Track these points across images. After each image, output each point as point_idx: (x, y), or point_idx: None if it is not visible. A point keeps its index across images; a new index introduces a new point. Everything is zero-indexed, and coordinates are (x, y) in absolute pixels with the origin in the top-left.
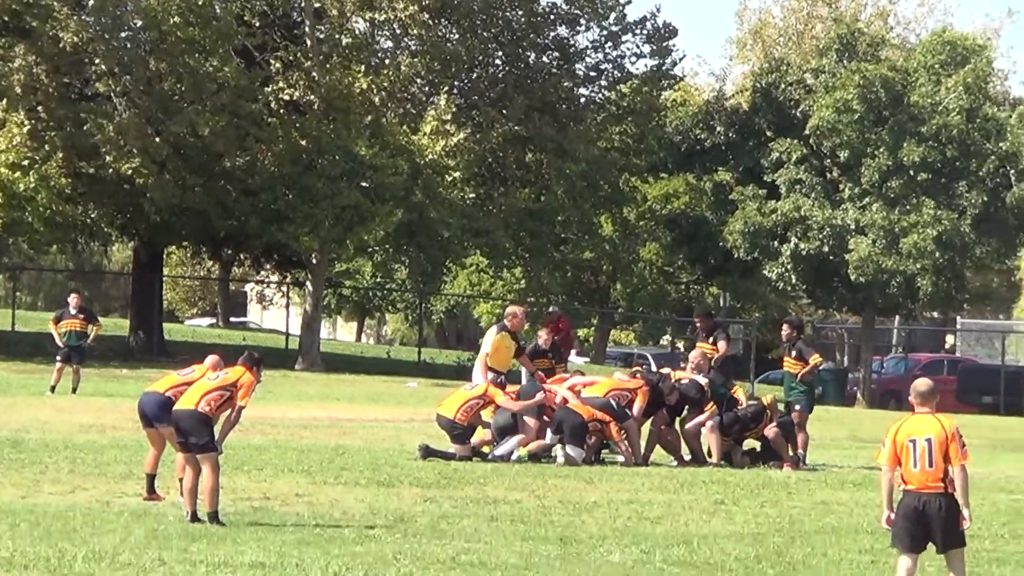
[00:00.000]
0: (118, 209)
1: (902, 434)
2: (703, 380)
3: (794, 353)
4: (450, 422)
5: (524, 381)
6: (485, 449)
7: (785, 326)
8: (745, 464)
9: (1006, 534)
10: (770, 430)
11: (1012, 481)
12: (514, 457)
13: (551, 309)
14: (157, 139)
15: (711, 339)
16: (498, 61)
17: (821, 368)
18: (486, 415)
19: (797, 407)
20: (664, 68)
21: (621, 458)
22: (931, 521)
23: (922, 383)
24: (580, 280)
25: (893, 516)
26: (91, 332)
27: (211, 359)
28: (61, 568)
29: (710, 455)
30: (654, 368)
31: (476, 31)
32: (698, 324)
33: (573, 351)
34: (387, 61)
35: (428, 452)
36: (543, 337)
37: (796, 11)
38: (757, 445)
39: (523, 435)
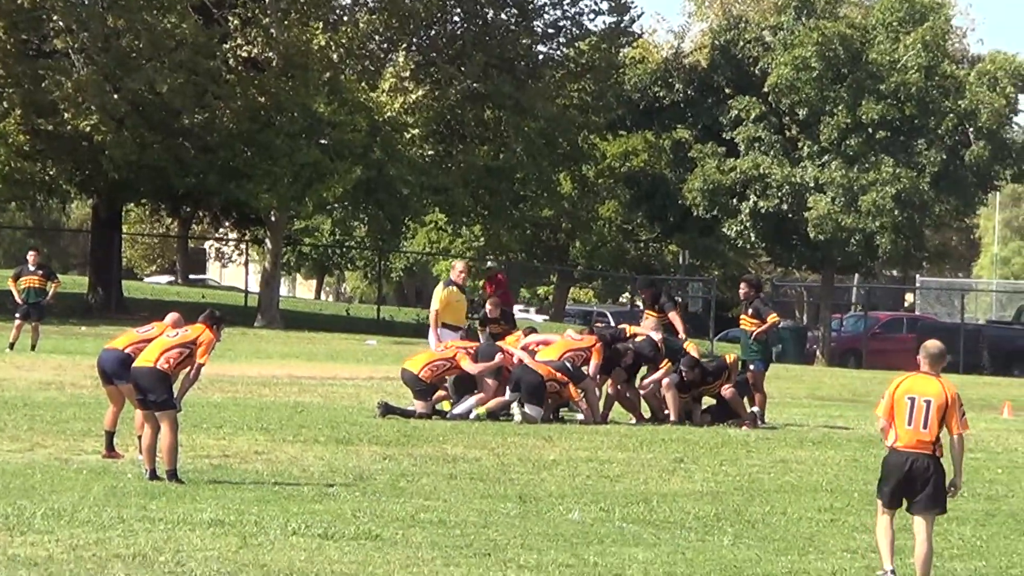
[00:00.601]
0: (77, 166)
1: (902, 390)
2: (657, 336)
3: (751, 311)
4: (414, 377)
5: (482, 340)
6: (444, 406)
7: (743, 284)
8: (705, 422)
9: (965, 493)
10: (726, 389)
11: (970, 439)
12: (472, 416)
13: (488, 265)
14: (115, 96)
15: (657, 308)
16: (456, 18)
17: (780, 326)
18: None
19: (751, 367)
20: (622, 25)
21: (580, 416)
22: (915, 481)
23: (933, 345)
24: (539, 238)
25: None
26: (50, 289)
27: (171, 317)
28: (20, 525)
29: (668, 412)
30: (612, 323)
31: None
32: (641, 295)
33: (518, 308)
34: (345, 18)
35: (387, 410)
36: (489, 308)
37: None
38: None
39: (482, 394)
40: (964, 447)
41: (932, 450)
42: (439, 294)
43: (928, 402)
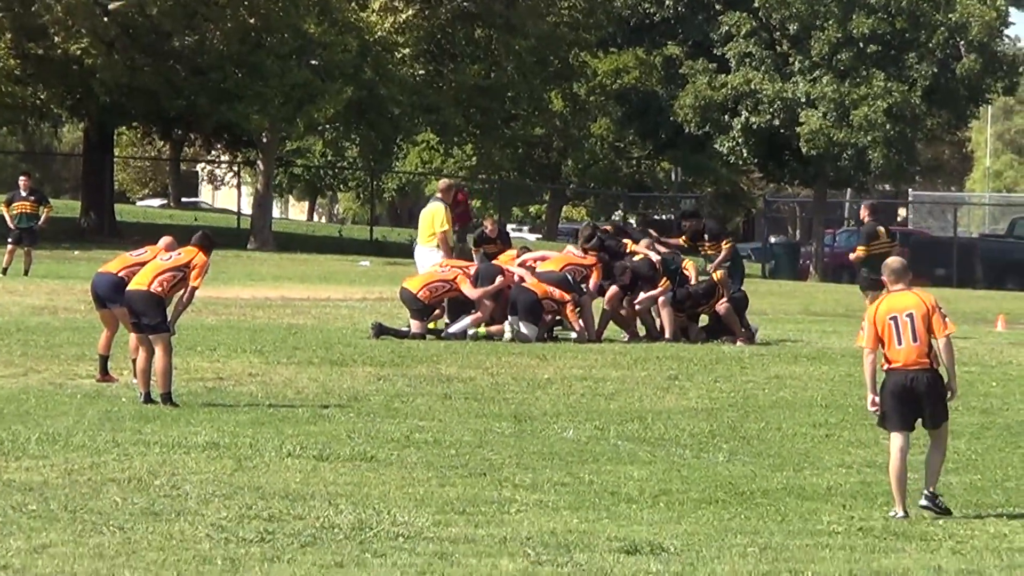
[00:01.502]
0: (68, 90)
1: (881, 312)
2: (655, 256)
3: (707, 237)
4: (412, 296)
5: (478, 262)
6: (439, 325)
7: (685, 222)
8: (700, 339)
9: (960, 407)
10: (721, 306)
11: (964, 353)
12: (471, 334)
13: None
14: (105, 19)
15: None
16: None
17: (774, 242)
18: None
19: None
20: None
21: (574, 335)
22: (921, 398)
23: (894, 261)
24: (531, 156)
25: (876, 399)
26: (42, 214)
27: (164, 240)
28: (15, 451)
29: (663, 330)
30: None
31: None
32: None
33: (511, 227)
34: None
35: (381, 330)
36: (488, 226)
37: None
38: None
39: (478, 313)
40: (953, 348)
41: (929, 363)
42: (443, 214)
43: (911, 315)
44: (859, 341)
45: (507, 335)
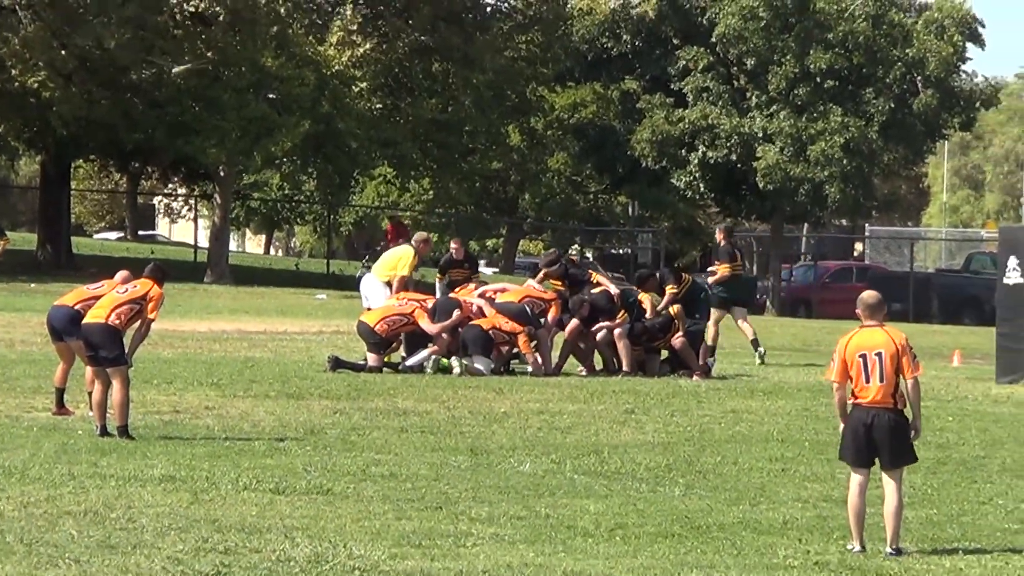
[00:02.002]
0: (25, 123)
1: (851, 348)
2: (615, 290)
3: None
4: (370, 330)
5: (438, 295)
6: (393, 358)
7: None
8: (663, 373)
9: (915, 441)
10: (677, 340)
11: (921, 388)
12: (427, 367)
13: (390, 213)
14: (63, 52)
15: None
16: None
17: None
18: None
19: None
20: None
21: (530, 368)
22: (879, 437)
23: (870, 295)
24: (488, 190)
25: None
26: None
27: (121, 274)
28: None
29: (620, 364)
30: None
31: None
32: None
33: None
34: None
35: (337, 364)
36: (455, 248)
37: None
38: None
39: (435, 347)
40: (920, 390)
41: (893, 403)
42: (409, 260)
43: (880, 354)
44: (828, 374)
45: (456, 371)
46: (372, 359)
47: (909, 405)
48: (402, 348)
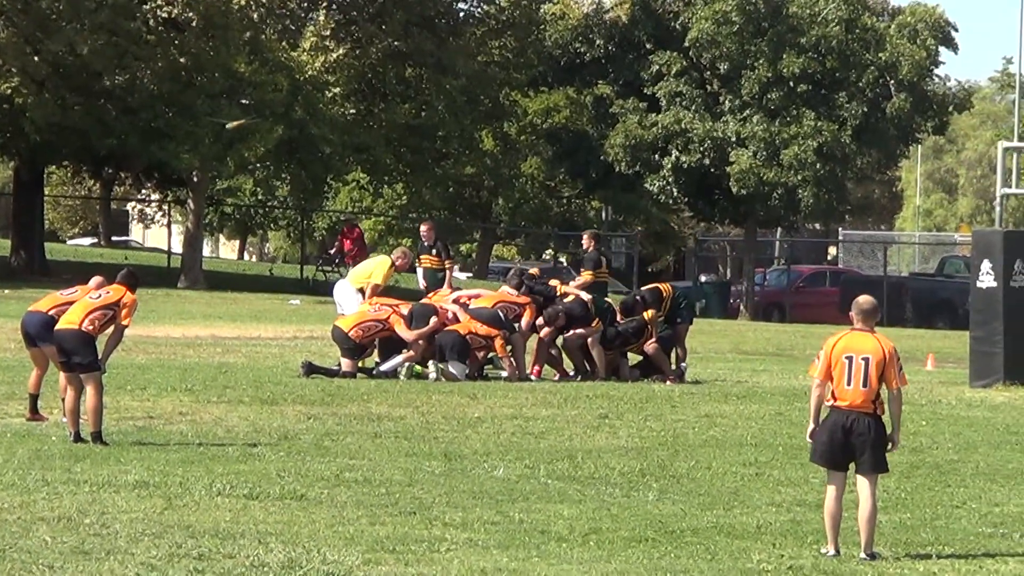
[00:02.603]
0: None
1: (838, 349)
2: (587, 297)
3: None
4: (344, 335)
5: (422, 277)
6: (367, 363)
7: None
8: (634, 378)
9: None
10: (650, 346)
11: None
12: (401, 373)
13: (344, 218)
14: (36, 58)
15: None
16: None
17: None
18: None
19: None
20: None
21: (505, 373)
22: (856, 441)
23: (865, 301)
24: (462, 195)
25: (817, 430)
26: None
27: (95, 280)
28: None
29: (594, 369)
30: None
31: None
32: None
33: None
34: None
35: (311, 369)
36: (424, 231)
37: None
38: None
39: (411, 352)
40: (902, 401)
41: (873, 408)
42: (384, 270)
43: (866, 359)
44: (811, 371)
45: (432, 375)
46: (346, 364)
47: (890, 414)
48: (376, 353)
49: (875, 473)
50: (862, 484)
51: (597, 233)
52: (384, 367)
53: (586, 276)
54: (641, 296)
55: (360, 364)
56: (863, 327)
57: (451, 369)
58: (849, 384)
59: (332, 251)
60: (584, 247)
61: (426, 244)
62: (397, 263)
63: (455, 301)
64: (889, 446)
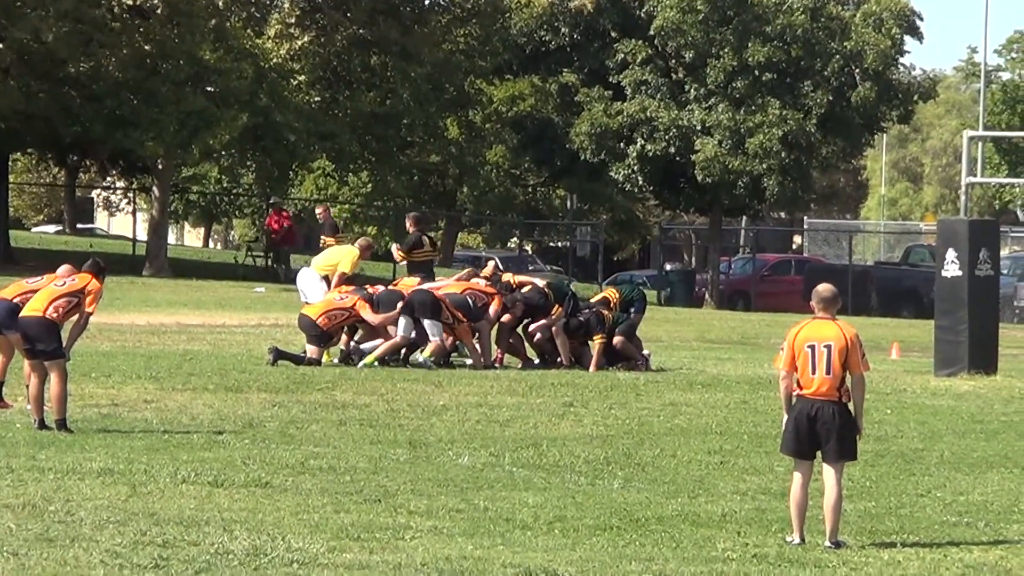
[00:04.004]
0: None
1: (800, 339)
2: (541, 283)
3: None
4: (311, 323)
5: (380, 289)
6: (331, 356)
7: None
8: (602, 366)
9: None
10: (616, 339)
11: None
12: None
13: (273, 200)
14: (0, 45)
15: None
16: None
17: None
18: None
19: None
20: None
21: (470, 361)
22: (822, 429)
23: (825, 289)
24: (427, 183)
25: None
26: None
27: (63, 269)
28: None
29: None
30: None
31: None
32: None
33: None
34: None
35: (279, 355)
36: (319, 213)
37: None
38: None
39: (387, 339)
40: (864, 387)
41: (838, 396)
42: (354, 260)
43: (829, 347)
44: (776, 363)
45: (401, 330)
46: (312, 351)
47: (852, 401)
48: (342, 343)
49: (841, 461)
50: (827, 472)
51: (419, 216)
52: (364, 346)
53: (400, 254)
54: (587, 321)
55: (326, 356)
56: (824, 315)
57: (427, 326)
58: (813, 372)
59: (261, 235)
60: (407, 228)
61: (322, 225)
62: (363, 252)
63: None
64: (858, 435)
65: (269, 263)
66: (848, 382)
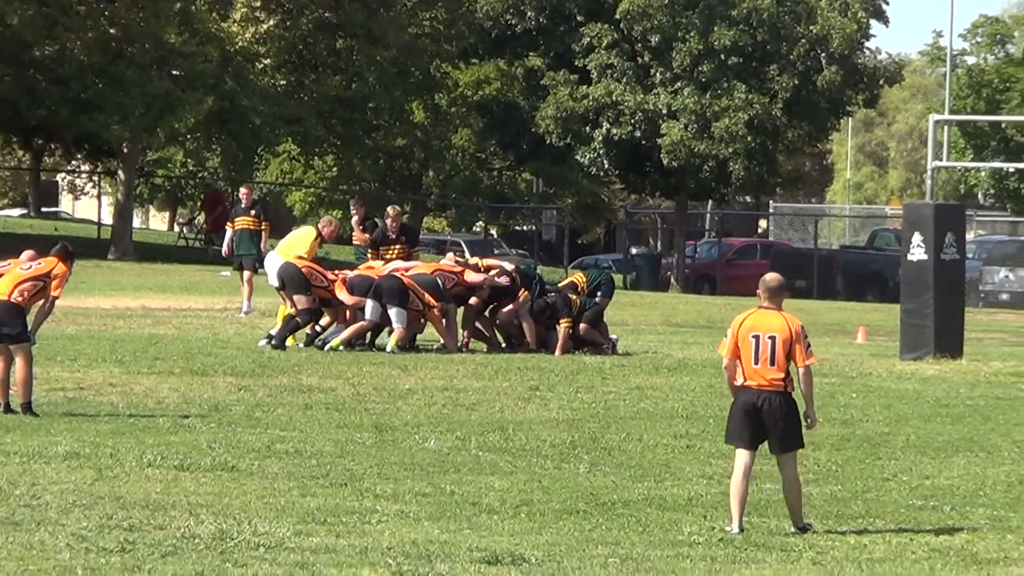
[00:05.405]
0: None
1: (745, 328)
2: (509, 266)
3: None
4: (295, 270)
5: (351, 274)
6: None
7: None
8: (568, 350)
9: (820, 418)
10: (581, 326)
11: (825, 364)
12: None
13: (208, 184)
14: None
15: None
16: None
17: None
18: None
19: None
20: None
21: (440, 343)
22: (767, 420)
23: (772, 278)
24: (392, 167)
25: None
26: None
27: (27, 254)
28: None
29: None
30: (467, 255)
31: None
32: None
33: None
34: None
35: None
36: (390, 224)
37: None
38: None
39: (359, 324)
40: (812, 378)
41: (783, 387)
42: (308, 242)
43: (773, 338)
44: (720, 350)
45: (368, 314)
46: (301, 301)
47: (801, 392)
48: (307, 328)
49: (786, 451)
50: (782, 464)
51: (363, 199)
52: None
53: (361, 239)
54: (553, 304)
55: (291, 340)
56: (770, 305)
57: (391, 315)
58: (757, 363)
59: (195, 216)
60: (352, 211)
61: (390, 235)
62: (324, 232)
63: (394, 271)
64: (807, 423)
65: (202, 243)
66: (794, 374)
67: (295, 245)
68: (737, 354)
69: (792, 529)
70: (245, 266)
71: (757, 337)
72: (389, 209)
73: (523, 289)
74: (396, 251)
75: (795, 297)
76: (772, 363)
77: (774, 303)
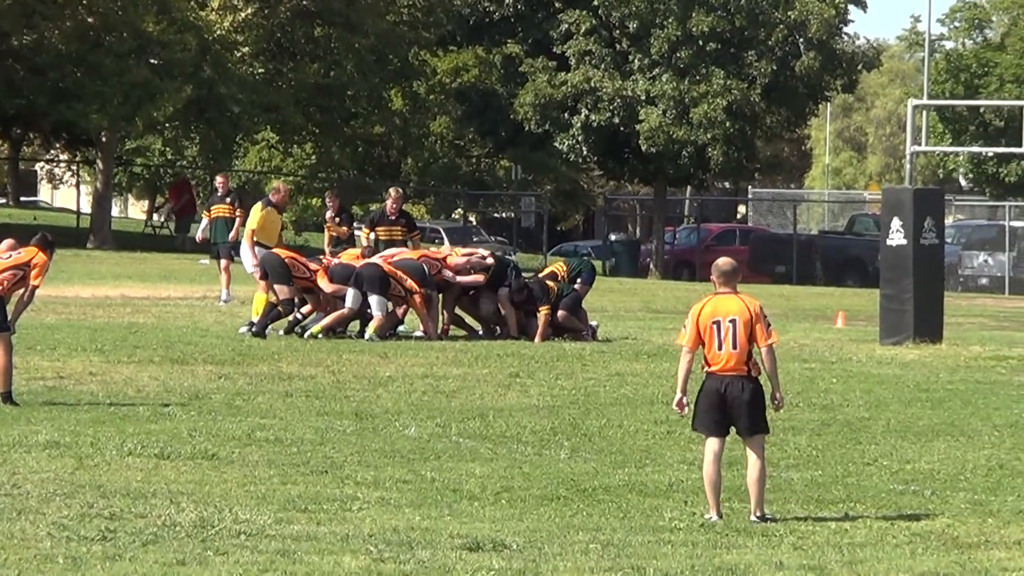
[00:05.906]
0: None
1: (705, 315)
2: (485, 252)
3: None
4: (278, 260)
5: (367, 245)
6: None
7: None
8: (548, 336)
9: (800, 403)
10: (559, 313)
11: (805, 350)
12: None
13: (176, 175)
14: None
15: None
16: None
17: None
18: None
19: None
20: None
21: (418, 332)
22: (733, 405)
23: (724, 262)
24: (371, 155)
25: (684, 400)
26: None
27: (6, 243)
28: None
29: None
30: (447, 242)
31: None
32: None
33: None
34: None
35: (260, 330)
36: (390, 205)
37: None
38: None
39: (339, 312)
40: (776, 358)
41: (747, 370)
42: (257, 213)
43: (733, 321)
44: (680, 339)
45: (349, 302)
46: (283, 291)
47: (766, 374)
48: (289, 316)
49: (753, 435)
50: (749, 448)
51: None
52: (310, 320)
53: (343, 230)
54: (529, 288)
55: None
56: (726, 289)
57: (371, 302)
58: (720, 348)
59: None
60: (327, 201)
61: (390, 216)
62: (274, 199)
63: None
64: (774, 404)
65: (171, 231)
66: (756, 355)
67: (249, 223)
68: (699, 342)
69: (752, 518)
70: (222, 254)
71: (718, 322)
72: (391, 191)
73: (481, 275)
74: (396, 232)
75: (774, 283)
76: (734, 347)
77: (729, 286)
